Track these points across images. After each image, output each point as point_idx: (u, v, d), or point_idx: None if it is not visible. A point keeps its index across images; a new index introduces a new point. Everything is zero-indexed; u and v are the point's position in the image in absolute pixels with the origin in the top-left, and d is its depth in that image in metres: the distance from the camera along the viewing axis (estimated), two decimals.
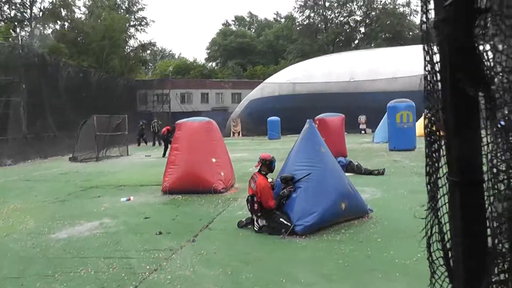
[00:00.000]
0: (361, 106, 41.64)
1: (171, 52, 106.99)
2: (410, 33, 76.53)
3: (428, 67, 1.63)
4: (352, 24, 78.59)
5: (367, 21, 76.81)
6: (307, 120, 9.37)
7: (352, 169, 14.77)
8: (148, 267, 6.35)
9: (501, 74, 1.38)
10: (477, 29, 1.46)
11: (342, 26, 77.39)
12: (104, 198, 12.29)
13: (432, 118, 1.68)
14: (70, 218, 9.81)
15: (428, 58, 1.62)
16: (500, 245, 1.46)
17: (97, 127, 24.56)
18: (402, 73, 44.26)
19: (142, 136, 36.69)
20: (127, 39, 58.78)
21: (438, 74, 1.60)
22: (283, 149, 25.05)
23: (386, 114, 26.24)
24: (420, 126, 29.43)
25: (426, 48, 1.64)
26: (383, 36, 75.17)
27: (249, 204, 8.37)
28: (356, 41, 78.66)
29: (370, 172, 14.75)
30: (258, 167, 8.60)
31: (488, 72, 1.44)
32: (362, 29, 78.98)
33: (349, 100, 41.94)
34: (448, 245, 1.68)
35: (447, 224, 1.67)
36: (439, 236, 1.72)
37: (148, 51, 73.89)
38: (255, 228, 8.17)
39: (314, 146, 8.75)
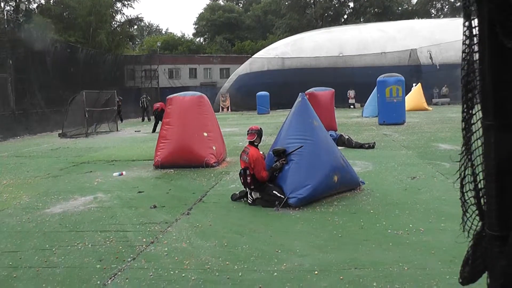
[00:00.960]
0: (350, 81, 41.69)
1: (158, 28, 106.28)
2: (399, 8, 76.56)
3: (467, 23, 1.72)
4: None
5: None
6: (299, 93, 9.38)
7: (342, 142, 14.84)
8: (144, 239, 6.42)
9: None
10: None
11: (331, 1, 76.97)
12: (96, 173, 12.29)
13: (469, 70, 1.79)
14: (63, 193, 9.84)
15: (466, 14, 1.71)
16: None
17: (86, 103, 24.41)
18: (390, 48, 44.46)
19: (119, 113, 35.04)
20: (113, 14, 58.10)
21: (476, 29, 1.70)
22: (272, 123, 25.18)
23: (375, 89, 26.34)
24: (409, 100, 29.68)
25: (465, 6, 1.74)
26: (372, 11, 75.01)
27: (242, 178, 8.42)
28: (345, 16, 78.42)
29: (360, 146, 14.84)
30: (253, 139, 8.56)
31: None
32: (351, 4, 78.70)
33: (338, 75, 41.97)
34: (480, 186, 1.80)
35: (479, 167, 1.79)
36: (472, 177, 1.84)
37: (135, 27, 73.27)
38: (248, 201, 8.25)
39: (307, 119, 8.78)
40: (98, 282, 5.02)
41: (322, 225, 6.80)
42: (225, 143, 13.82)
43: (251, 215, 7.61)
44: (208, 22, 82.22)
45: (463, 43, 1.80)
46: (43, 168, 13.47)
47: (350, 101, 42.70)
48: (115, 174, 11.86)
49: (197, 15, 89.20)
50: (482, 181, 1.82)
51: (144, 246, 6.14)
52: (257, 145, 8.55)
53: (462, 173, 1.93)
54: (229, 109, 46.63)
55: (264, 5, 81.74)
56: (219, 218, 7.43)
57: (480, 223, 1.89)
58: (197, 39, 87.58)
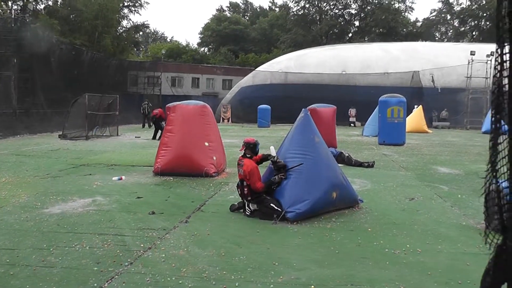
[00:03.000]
0: (352, 99, 41.83)
1: (163, 35, 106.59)
2: (404, 30, 76.96)
3: (499, 50, 1.81)
4: (346, 17, 78.75)
5: (361, 15, 77.02)
6: (302, 109, 9.42)
7: (342, 160, 14.84)
8: (142, 245, 6.42)
9: None
10: None
11: (337, 19, 77.49)
12: (96, 176, 12.30)
13: (499, 93, 1.89)
14: (62, 194, 9.85)
15: (499, 41, 1.81)
16: None
17: (88, 106, 24.47)
18: (393, 68, 44.67)
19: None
20: (120, 19, 58.40)
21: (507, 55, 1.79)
22: (272, 137, 25.25)
23: (376, 108, 26.45)
24: (409, 122, 29.78)
25: (498, 33, 1.83)
26: (377, 31, 75.44)
27: (239, 189, 8.49)
28: (350, 34, 78.79)
29: (360, 164, 14.87)
30: (243, 151, 8.65)
31: None
32: (357, 23, 79.20)
33: (340, 92, 42.12)
34: (502, 202, 1.89)
35: (503, 183, 1.88)
36: (495, 193, 1.94)
37: (141, 33, 73.55)
38: (247, 212, 8.25)
39: (308, 135, 8.81)
40: (95, 284, 5.02)
41: (319, 241, 6.81)
42: (225, 154, 13.83)
43: (249, 226, 7.61)
44: (214, 32, 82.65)
45: (495, 68, 1.89)
46: (42, 168, 13.49)
47: (351, 119, 42.83)
48: (115, 178, 11.88)
49: (203, 25, 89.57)
50: (506, 197, 1.91)
51: (141, 251, 6.15)
52: (250, 157, 8.57)
53: (487, 189, 2.03)
54: (230, 121, 46.69)
55: (271, 19, 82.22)
56: (217, 228, 7.43)
57: (501, 237, 1.99)
58: (202, 49, 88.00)
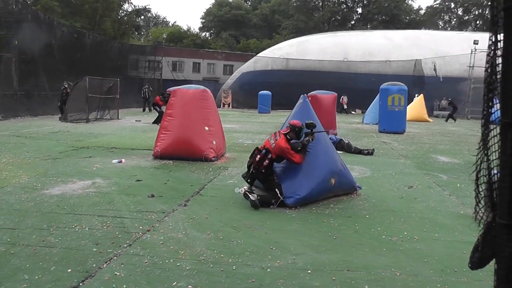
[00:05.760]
0: (353, 87, 41.74)
1: (165, 20, 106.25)
2: (407, 18, 76.66)
3: (493, 30, 1.87)
4: (349, 4, 78.42)
5: (364, 2, 76.65)
6: (301, 95, 9.46)
7: (342, 147, 14.87)
8: (141, 227, 6.47)
9: None
10: None
11: (339, 5, 77.26)
12: (96, 158, 12.34)
13: (492, 72, 1.94)
14: (62, 175, 9.89)
15: (493, 22, 1.87)
16: None
17: (89, 89, 24.47)
18: (395, 56, 44.54)
19: (64, 103, 26.52)
20: (121, 2, 58.11)
21: (500, 36, 1.85)
22: (272, 123, 25.27)
23: (377, 96, 26.44)
24: (410, 110, 29.78)
25: (492, 14, 1.90)
26: (379, 18, 75.17)
27: (257, 156, 8.15)
28: (352, 22, 78.55)
29: (359, 151, 14.89)
30: (286, 132, 8.27)
31: None
32: (359, 10, 78.90)
33: (341, 79, 42.07)
34: (493, 179, 1.95)
35: (494, 162, 1.95)
36: (486, 171, 2.00)
37: (142, 17, 73.25)
38: (251, 198, 7.95)
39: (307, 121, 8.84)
40: (94, 265, 5.07)
41: (317, 226, 6.86)
42: (225, 138, 13.85)
43: (247, 211, 7.64)
44: (215, 17, 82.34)
45: (489, 47, 1.93)
46: (43, 150, 13.53)
47: (344, 106, 42.59)
48: (114, 161, 11.91)
49: (205, 10, 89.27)
50: (496, 175, 1.97)
51: (140, 233, 6.20)
52: (290, 138, 8.23)
53: (478, 167, 2.09)
54: (230, 106, 46.64)
55: (273, 4, 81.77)
56: (215, 212, 7.48)
57: (490, 214, 2.06)
58: (203, 34, 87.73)
